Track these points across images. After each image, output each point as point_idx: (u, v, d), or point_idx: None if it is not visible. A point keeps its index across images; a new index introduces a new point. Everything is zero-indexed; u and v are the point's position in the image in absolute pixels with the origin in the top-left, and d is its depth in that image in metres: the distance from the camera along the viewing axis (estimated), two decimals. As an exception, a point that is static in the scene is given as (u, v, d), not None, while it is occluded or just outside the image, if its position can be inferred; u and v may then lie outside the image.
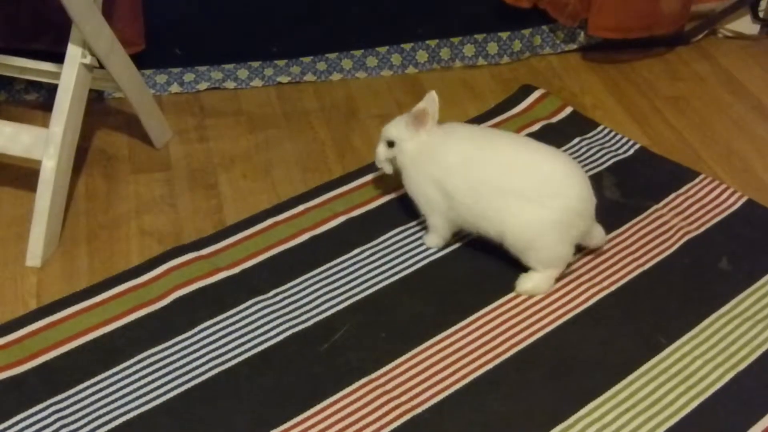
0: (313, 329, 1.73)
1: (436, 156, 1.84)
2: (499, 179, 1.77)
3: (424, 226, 1.94)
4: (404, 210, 2.00)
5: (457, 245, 1.92)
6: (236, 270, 1.86)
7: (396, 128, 1.91)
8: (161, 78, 2.40)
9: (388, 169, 1.95)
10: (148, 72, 2.39)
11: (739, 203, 2.04)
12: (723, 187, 2.08)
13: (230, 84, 2.43)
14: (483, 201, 1.78)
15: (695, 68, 2.59)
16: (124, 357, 1.66)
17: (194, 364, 1.66)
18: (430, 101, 1.88)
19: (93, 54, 1.92)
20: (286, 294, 1.80)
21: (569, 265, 1.84)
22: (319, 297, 1.80)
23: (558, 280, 1.83)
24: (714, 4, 2.65)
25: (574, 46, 2.62)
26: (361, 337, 1.72)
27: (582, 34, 2.59)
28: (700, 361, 1.66)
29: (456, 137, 1.87)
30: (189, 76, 2.41)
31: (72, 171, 1.95)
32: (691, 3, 2.55)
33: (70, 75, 1.90)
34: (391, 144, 1.91)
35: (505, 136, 1.98)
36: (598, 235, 1.87)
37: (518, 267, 1.83)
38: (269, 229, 1.96)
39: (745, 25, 2.71)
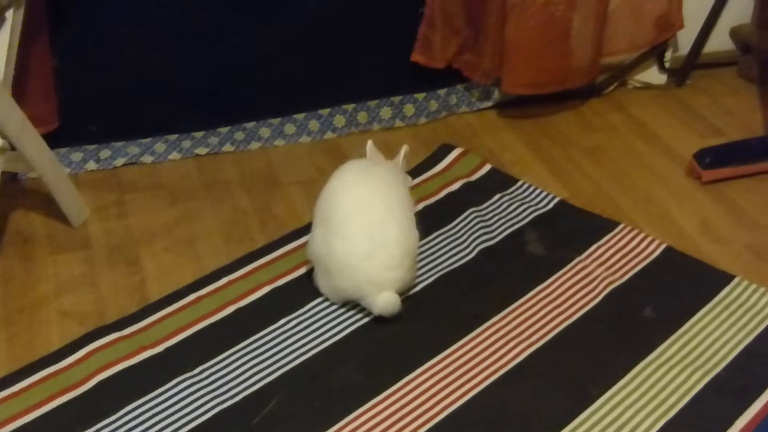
0: (243, 403, 1.70)
1: None
2: None
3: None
4: (329, 276, 1.99)
5: (384, 308, 1.92)
6: (161, 348, 1.82)
7: None
8: (77, 156, 2.37)
9: None
10: (63, 150, 2.36)
11: (659, 250, 2.07)
12: (642, 235, 2.11)
13: (148, 158, 2.41)
14: None
15: (608, 119, 2.64)
16: (47, 446, 1.61)
17: (121, 448, 1.61)
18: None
19: (4, 137, 1.89)
20: (213, 370, 1.77)
21: (497, 321, 1.86)
22: (247, 370, 1.77)
23: (487, 337, 1.83)
24: (622, 56, 2.71)
25: (490, 104, 2.65)
26: (292, 407, 1.70)
27: (497, 91, 2.63)
28: (631, 410, 1.67)
29: None
30: (105, 153, 2.39)
31: (-13, 255, 1.92)
32: (601, 56, 2.61)
33: (-20, 158, 1.87)
34: None
35: None
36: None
37: (444, 326, 1.84)
38: (193, 303, 1.93)
39: (652, 75, 2.78)
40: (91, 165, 2.38)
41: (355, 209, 1.86)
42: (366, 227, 1.83)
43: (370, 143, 2.07)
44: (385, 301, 1.84)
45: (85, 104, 2.35)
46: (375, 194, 1.89)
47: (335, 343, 1.84)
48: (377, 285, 1.83)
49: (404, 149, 2.05)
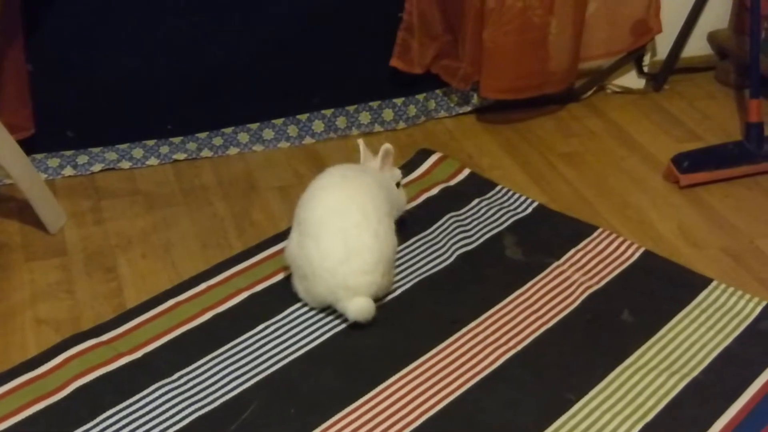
0: (221, 410, 1.69)
1: None
2: None
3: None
4: (307, 282, 1.98)
5: (362, 314, 1.91)
6: (138, 354, 1.81)
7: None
8: (53, 162, 2.36)
9: None
10: (39, 156, 2.35)
11: (637, 255, 2.08)
12: (620, 240, 2.12)
13: (125, 164, 2.40)
14: None
15: (587, 124, 2.65)
16: (23, 454, 1.60)
17: (98, 456, 1.60)
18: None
19: (-21, 142, 1.88)
20: (190, 376, 1.76)
21: (474, 327, 1.86)
22: (225, 376, 1.76)
23: (464, 342, 1.83)
24: (601, 61, 2.72)
25: (469, 109, 2.66)
26: (270, 414, 1.69)
27: (475, 96, 2.63)
28: (608, 414, 1.67)
29: None
30: (82, 159, 2.38)
31: (-38, 263, 1.90)
32: (579, 61, 2.61)
33: (-45, 165, 1.86)
34: (397, 185, 2.09)
35: None
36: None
37: (422, 332, 1.85)
38: (171, 309, 1.93)
39: (631, 80, 2.79)
40: (68, 171, 2.37)
41: (331, 213, 1.86)
42: (341, 232, 1.84)
43: (361, 142, 2.10)
44: (359, 306, 1.84)
45: (61, 110, 2.34)
46: (352, 199, 1.89)
47: (313, 349, 1.83)
48: (351, 290, 1.83)
49: (383, 148, 2.05)
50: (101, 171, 2.39)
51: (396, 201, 2.06)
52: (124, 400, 1.70)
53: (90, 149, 2.39)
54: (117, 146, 2.41)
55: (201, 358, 1.80)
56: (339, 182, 1.94)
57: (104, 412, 1.68)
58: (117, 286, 2.01)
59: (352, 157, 2.40)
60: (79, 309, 1.94)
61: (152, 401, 1.70)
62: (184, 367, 1.78)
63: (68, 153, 2.37)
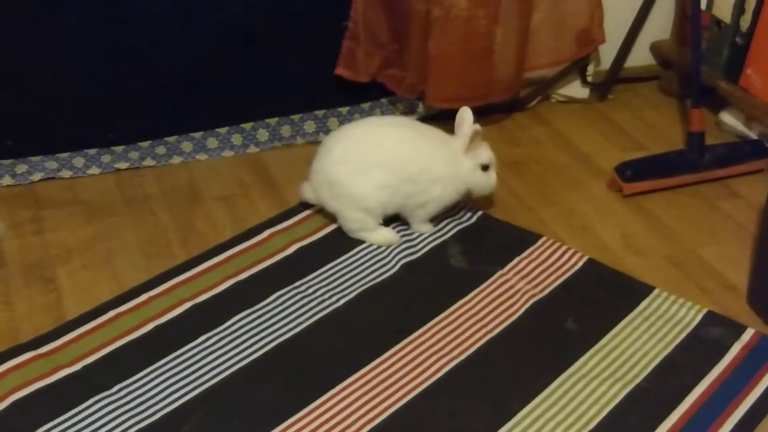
0: (161, 422, 1.67)
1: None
2: None
3: (274, 306, 1.93)
4: (250, 292, 1.97)
5: (307, 323, 1.90)
6: (78, 367, 1.78)
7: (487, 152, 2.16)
8: (-8, 171, 2.32)
9: None
10: (-23, 165, 2.31)
11: (581, 263, 2.09)
12: (564, 248, 2.13)
13: (66, 173, 2.37)
14: None
15: (532, 133, 2.66)
16: (-42, 470, 1.57)
17: (35, 471, 1.58)
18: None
19: None
20: (131, 388, 1.74)
21: (419, 336, 1.86)
22: (166, 388, 1.74)
23: (409, 352, 1.83)
24: (545, 70, 2.73)
25: (415, 117, 2.65)
26: (212, 426, 1.67)
27: (421, 105, 2.63)
28: (552, 423, 1.67)
29: None
30: (21, 167, 2.34)
31: None
32: (524, 70, 2.63)
33: None
34: (485, 168, 2.16)
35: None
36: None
37: (367, 341, 1.84)
38: (112, 321, 1.90)
39: (575, 89, 2.81)
40: (7, 180, 2.33)
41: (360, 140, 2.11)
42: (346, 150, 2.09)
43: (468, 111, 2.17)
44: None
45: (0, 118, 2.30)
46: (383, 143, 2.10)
47: (256, 359, 1.82)
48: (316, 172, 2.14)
49: (473, 129, 2.10)
50: (41, 180, 2.35)
51: (457, 180, 2.15)
52: (63, 413, 1.68)
53: (29, 158, 2.35)
54: (57, 155, 2.37)
55: (142, 370, 1.78)
56: (395, 126, 2.17)
57: (42, 426, 1.65)
58: (56, 298, 1.98)
59: (298, 167, 2.41)
60: (17, 321, 1.91)
61: (91, 414, 1.68)
62: (124, 380, 1.75)
63: (6, 162, 2.33)
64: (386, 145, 2.10)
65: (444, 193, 2.14)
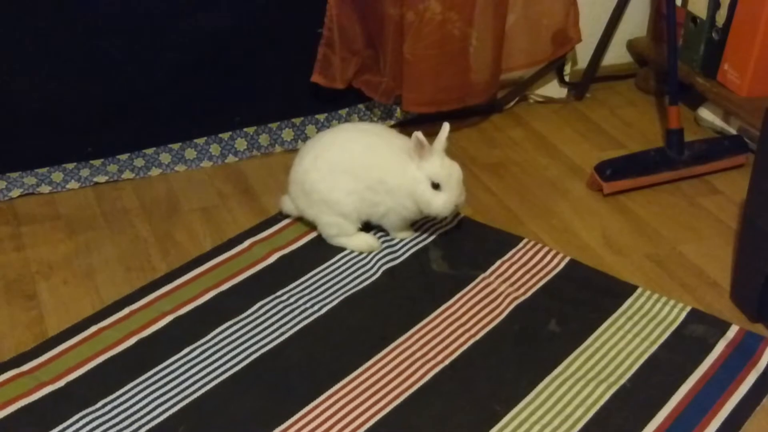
0: (146, 437, 1.67)
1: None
2: None
3: (257, 316, 1.92)
4: (232, 303, 1.96)
5: (290, 332, 1.89)
6: (61, 383, 1.77)
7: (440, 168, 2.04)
8: (-30, 188, 2.31)
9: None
10: (-45, 182, 2.29)
11: (562, 264, 2.09)
12: (546, 249, 2.13)
13: (45, 188, 2.35)
14: None
15: (510, 134, 2.67)
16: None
17: (19, 490, 1.56)
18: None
19: None
20: (115, 404, 1.73)
21: (403, 342, 1.86)
22: (150, 402, 1.73)
23: (393, 358, 1.83)
24: (522, 71, 2.73)
25: (392, 122, 2.65)
26: (197, 439, 1.67)
27: (398, 110, 2.63)
28: (537, 426, 1.67)
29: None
30: (0, 184, 2.32)
31: None
32: (500, 72, 2.63)
33: None
34: (435, 186, 2.03)
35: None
36: None
37: (350, 349, 1.83)
38: (94, 336, 1.89)
39: (553, 89, 2.82)
40: (-14, 197, 2.32)
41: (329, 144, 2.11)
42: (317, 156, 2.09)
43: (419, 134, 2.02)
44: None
45: (-24, 135, 2.29)
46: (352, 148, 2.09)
47: (240, 370, 1.81)
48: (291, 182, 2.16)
49: (412, 136, 2.01)
50: (20, 196, 2.34)
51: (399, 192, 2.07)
52: (47, 431, 1.66)
53: (8, 174, 2.33)
54: (36, 170, 2.36)
55: (125, 384, 1.77)
56: (360, 133, 2.15)
57: (26, 444, 1.64)
58: (38, 314, 1.97)
59: (277, 175, 2.40)
60: (-2, 339, 1.90)
61: (76, 431, 1.67)
62: (108, 395, 1.74)
63: (-15, 179, 2.32)
64: (353, 152, 2.09)
65: (397, 204, 2.08)
